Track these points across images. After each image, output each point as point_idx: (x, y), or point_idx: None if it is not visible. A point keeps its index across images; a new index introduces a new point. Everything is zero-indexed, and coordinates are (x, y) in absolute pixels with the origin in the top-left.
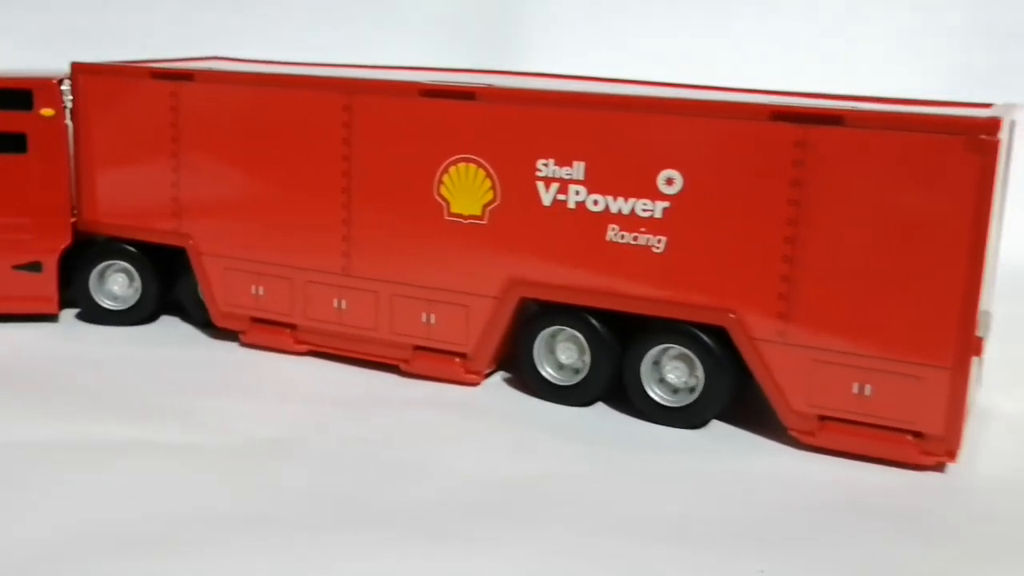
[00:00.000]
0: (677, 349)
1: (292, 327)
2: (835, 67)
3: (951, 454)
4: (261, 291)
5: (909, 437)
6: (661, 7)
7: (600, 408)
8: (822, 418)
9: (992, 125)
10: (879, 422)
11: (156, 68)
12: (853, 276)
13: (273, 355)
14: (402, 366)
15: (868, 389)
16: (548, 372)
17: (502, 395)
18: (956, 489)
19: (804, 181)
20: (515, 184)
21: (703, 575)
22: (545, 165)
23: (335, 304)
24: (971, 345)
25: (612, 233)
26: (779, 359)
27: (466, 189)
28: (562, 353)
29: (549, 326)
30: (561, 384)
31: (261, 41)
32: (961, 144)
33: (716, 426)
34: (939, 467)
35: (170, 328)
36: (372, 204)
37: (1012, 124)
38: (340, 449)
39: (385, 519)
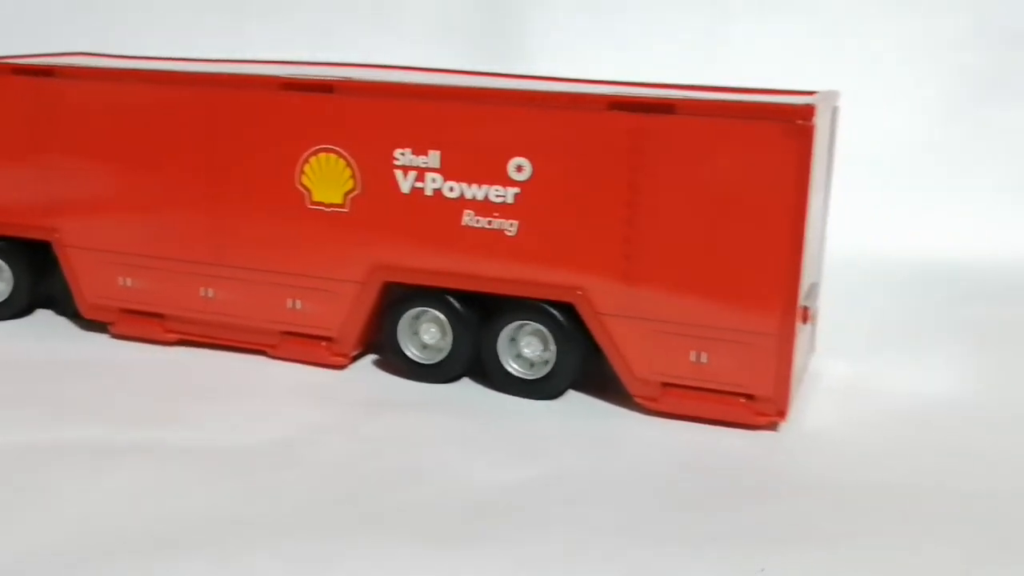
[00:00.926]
0: (531, 326)
1: (161, 317)
2: (834, 68)
3: (781, 414)
4: (129, 282)
5: (743, 400)
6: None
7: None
8: (664, 385)
9: (807, 111)
10: (716, 387)
11: (17, 64)
12: (687, 253)
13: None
14: (269, 351)
15: (704, 356)
16: (412, 352)
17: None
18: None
19: (640, 166)
20: (374, 173)
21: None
22: (402, 154)
23: (202, 293)
24: (795, 313)
25: (468, 218)
26: (622, 331)
27: (327, 178)
28: (425, 334)
29: (412, 308)
30: (425, 363)
31: (262, 41)
32: (780, 129)
33: (571, 395)
34: (772, 426)
35: None
36: (236, 195)
37: (834, 111)
38: (340, 451)
39: (385, 521)
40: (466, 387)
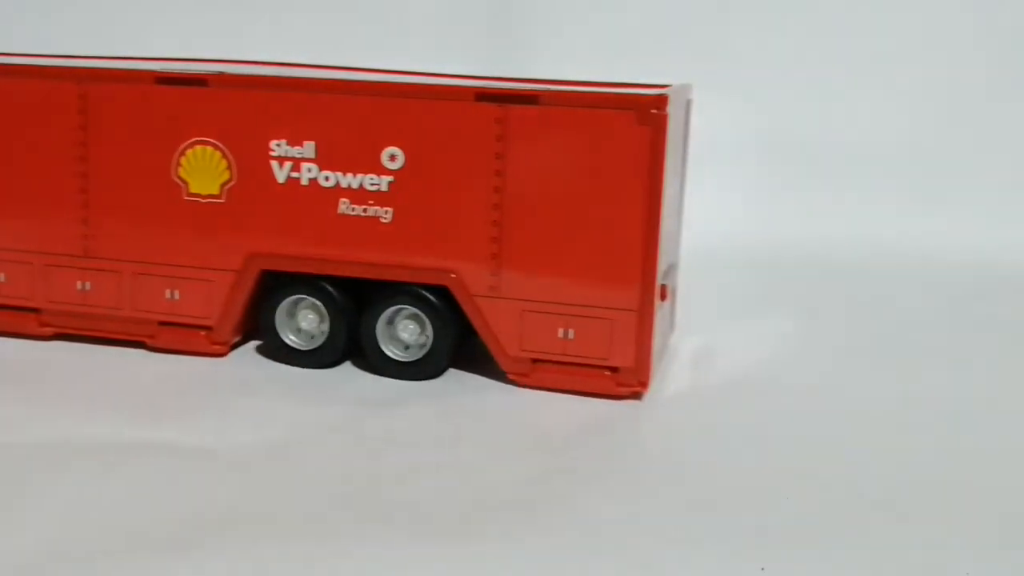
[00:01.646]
0: (408, 309)
1: (36, 311)
2: (836, 66)
3: (643, 384)
4: (2, 277)
5: (607, 372)
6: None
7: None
8: (534, 361)
9: (660, 101)
10: (582, 361)
11: None
12: (554, 236)
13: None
14: (148, 341)
15: (571, 333)
16: (291, 339)
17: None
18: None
19: (507, 154)
20: (250, 164)
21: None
22: (278, 145)
23: (78, 286)
24: (654, 290)
25: (344, 206)
26: (494, 312)
27: (203, 170)
28: (303, 320)
29: (290, 296)
30: (304, 349)
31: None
32: (635, 118)
33: (449, 374)
34: (636, 396)
35: None
36: (112, 188)
37: (688, 103)
38: (340, 450)
39: (391, 518)
40: (467, 386)
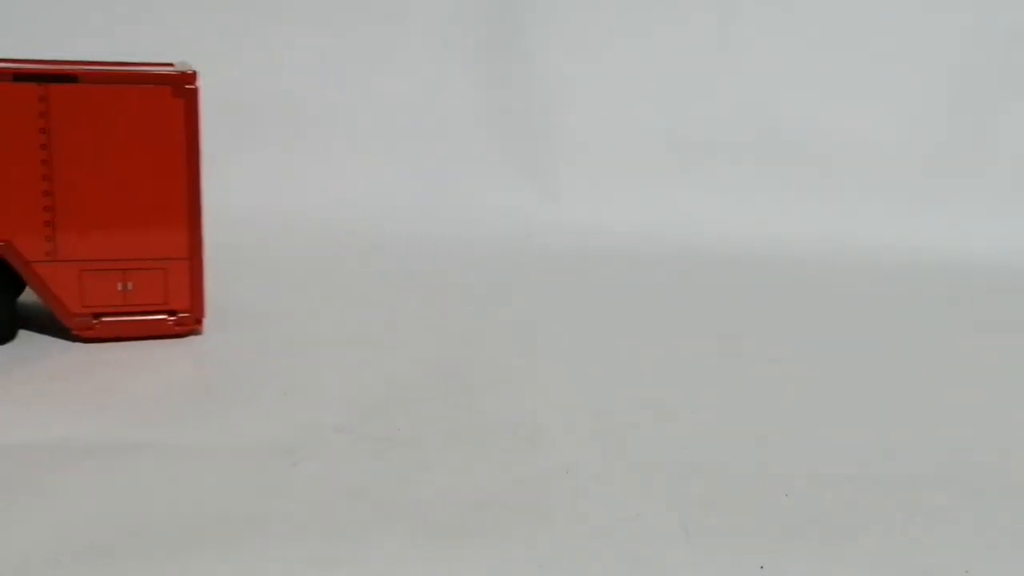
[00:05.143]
0: None
1: None
2: (834, 67)
3: (199, 322)
4: None
5: (167, 316)
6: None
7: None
8: (96, 315)
9: (191, 77)
10: (144, 309)
11: None
12: (106, 201)
13: (272, 354)
14: None
15: (130, 285)
16: None
17: None
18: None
19: (52, 129)
20: None
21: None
22: None
23: None
24: (201, 238)
25: None
26: (53, 274)
27: None
28: None
29: None
30: None
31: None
32: (170, 92)
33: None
34: (195, 332)
35: None
36: None
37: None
38: (341, 450)
39: (396, 519)
40: (469, 385)
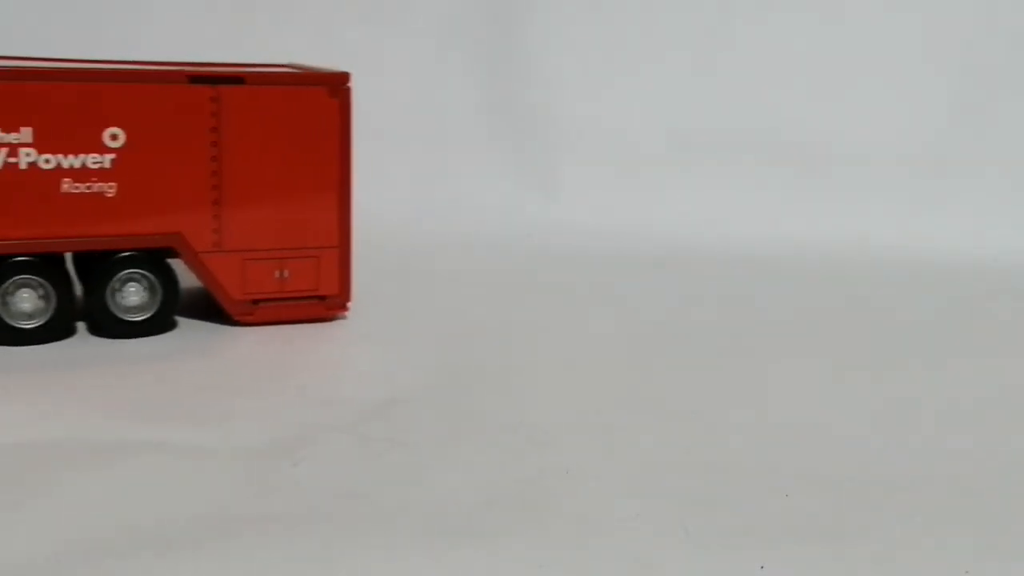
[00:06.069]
0: (138, 272)
1: None
2: (834, 67)
3: (344, 307)
4: None
5: (317, 301)
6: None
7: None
8: (255, 302)
9: (344, 77)
10: (297, 295)
11: None
12: (266, 194)
13: (271, 353)
14: None
15: (287, 273)
16: (14, 321)
17: None
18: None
19: (221, 127)
20: None
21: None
22: None
23: None
24: (350, 229)
25: (67, 185)
26: (218, 264)
27: None
28: (25, 301)
29: (12, 277)
30: (27, 328)
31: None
32: (326, 92)
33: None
34: (342, 317)
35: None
36: None
37: None
38: (342, 449)
39: (397, 518)
40: (468, 384)
